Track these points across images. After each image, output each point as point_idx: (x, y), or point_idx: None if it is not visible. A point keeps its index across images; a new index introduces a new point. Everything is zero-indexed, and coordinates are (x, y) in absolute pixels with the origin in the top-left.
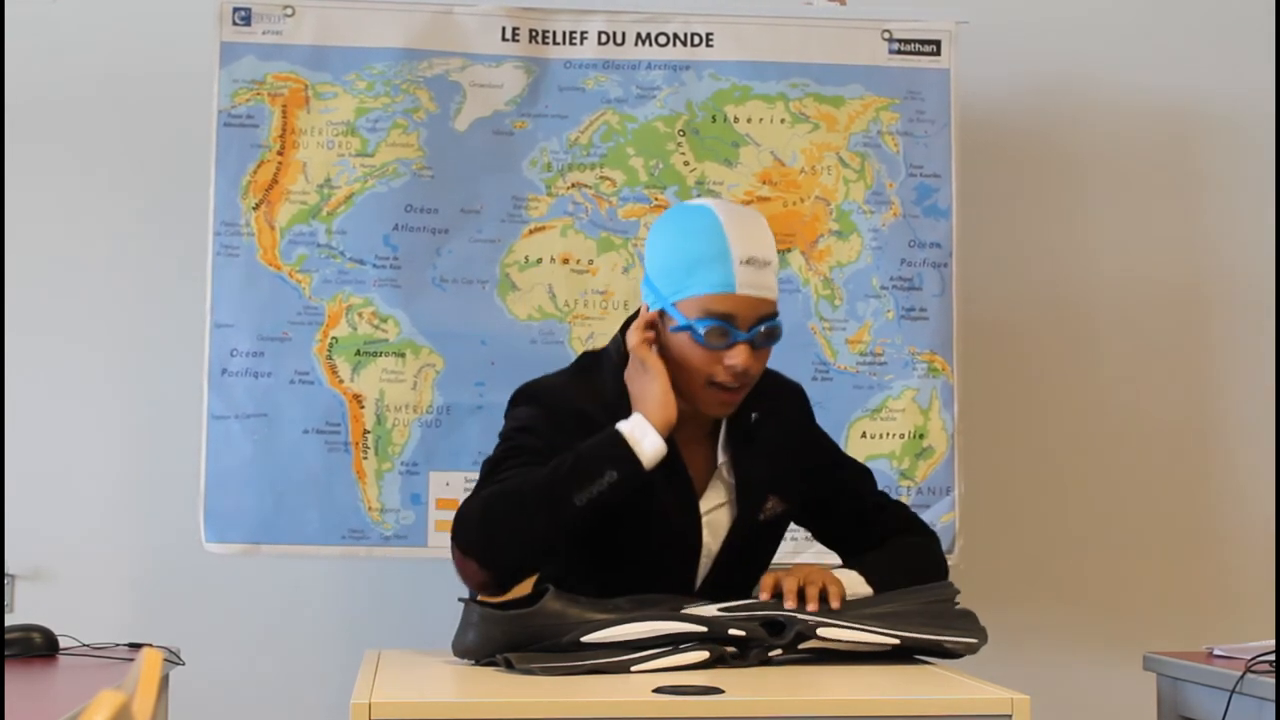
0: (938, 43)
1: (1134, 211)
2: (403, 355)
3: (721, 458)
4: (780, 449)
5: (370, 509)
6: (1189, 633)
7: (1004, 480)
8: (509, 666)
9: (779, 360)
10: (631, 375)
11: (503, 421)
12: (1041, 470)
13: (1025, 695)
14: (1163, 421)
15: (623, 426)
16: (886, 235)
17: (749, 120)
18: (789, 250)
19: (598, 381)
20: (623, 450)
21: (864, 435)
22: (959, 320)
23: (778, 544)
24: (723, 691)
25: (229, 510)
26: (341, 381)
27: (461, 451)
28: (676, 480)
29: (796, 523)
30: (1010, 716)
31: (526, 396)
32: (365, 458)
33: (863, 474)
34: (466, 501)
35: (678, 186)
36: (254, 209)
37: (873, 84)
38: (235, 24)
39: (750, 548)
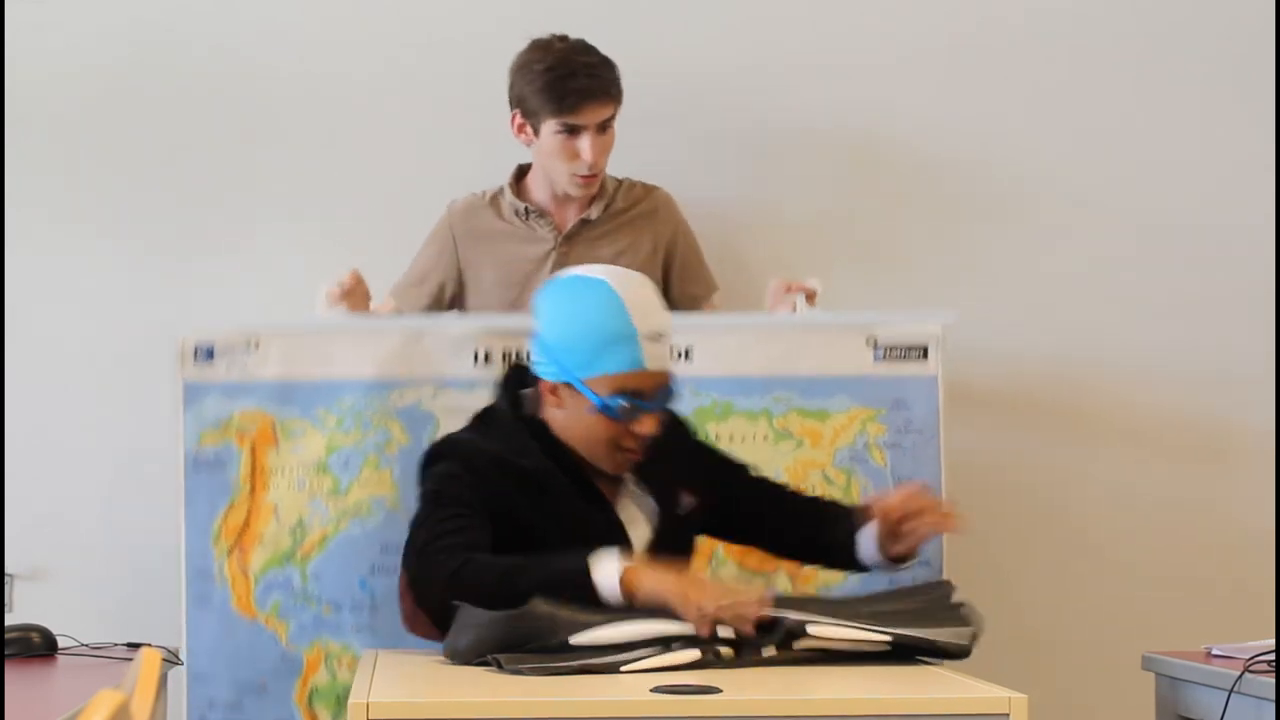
0: (925, 348)
1: None
2: None
3: (627, 475)
4: (668, 452)
5: None
6: (1189, 633)
7: (992, 497)
8: (499, 668)
9: None
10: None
11: (423, 484)
12: (1033, 477)
13: (1023, 695)
14: (1160, 422)
15: (597, 572)
16: None
17: (731, 439)
18: (774, 572)
19: (499, 435)
20: (585, 585)
21: None
22: None
23: (693, 543)
24: (720, 691)
25: None
26: None
27: None
28: (596, 503)
29: (717, 534)
30: (1008, 716)
31: (442, 453)
32: None
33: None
34: (423, 556)
35: None
36: (227, 554)
37: (858, 394)
38: (197, 361)
39: (674, 542)
